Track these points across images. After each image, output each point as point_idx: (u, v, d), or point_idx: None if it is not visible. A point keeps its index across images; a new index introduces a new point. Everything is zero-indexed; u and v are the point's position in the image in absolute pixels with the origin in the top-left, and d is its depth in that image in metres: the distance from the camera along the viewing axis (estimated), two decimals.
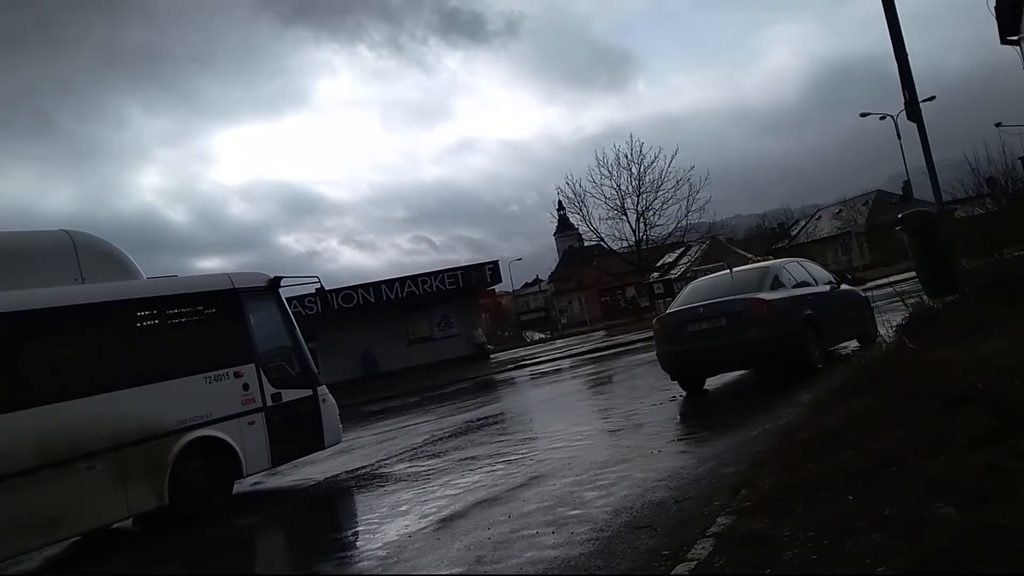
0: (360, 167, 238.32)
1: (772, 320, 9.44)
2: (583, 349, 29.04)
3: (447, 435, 11.40)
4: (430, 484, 7.73)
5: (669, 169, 39.00)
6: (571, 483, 6.39)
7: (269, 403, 9.04)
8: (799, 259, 12.32)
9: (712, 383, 10.70)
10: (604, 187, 40.23)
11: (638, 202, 39.61)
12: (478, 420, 12.71)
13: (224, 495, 8.62)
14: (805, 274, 10.96)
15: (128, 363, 8.29)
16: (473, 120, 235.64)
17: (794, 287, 10.30)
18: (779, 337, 9.43)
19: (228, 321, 9.15)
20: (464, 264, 35.03)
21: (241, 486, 9.30)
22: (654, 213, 39.65)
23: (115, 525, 8.26)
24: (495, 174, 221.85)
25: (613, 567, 4.17)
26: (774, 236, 71.30)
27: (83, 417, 7.54)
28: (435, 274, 32.60)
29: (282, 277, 9.86)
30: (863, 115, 43.54)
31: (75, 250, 8.36)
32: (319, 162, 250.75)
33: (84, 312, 8.00)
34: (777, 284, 10.12)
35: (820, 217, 69.32)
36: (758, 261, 20.69)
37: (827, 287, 11.04)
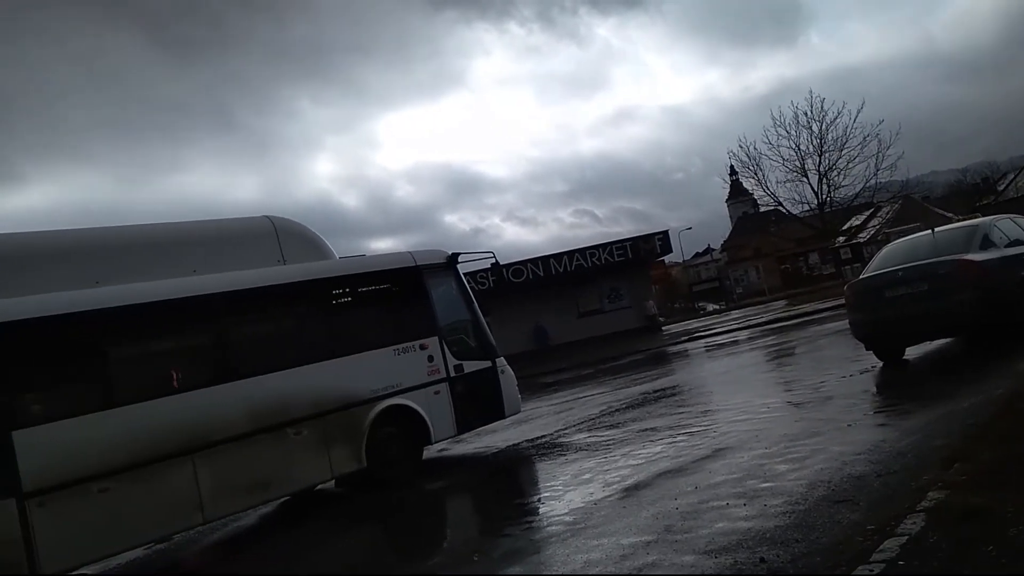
0: (518, 143, 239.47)
1: (983, 283, 8.59)
2: (762, 320, 27.92)
3: (624, 406, 11.39)
4: (611, 454, 7.76)
5: (854, 125, 36.20)
6: (760, 456, 6.18)
7: (452, 374, 9.44)
8: (1012, 215, 11.11)
9: (911, 353, 9.93)
10: (781, 148, 38.18)
11: (820, 162, 37.26)
12: (654, 392, 12.59)
13: (415, 460, 9.11)
14: (1020, 232, 9.86)
15: (327, 336, 8.93)
16: (630, 88, 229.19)
17: (1007, 246, 9.30)
18: (991, 301, 8.57)
19: (412, 296, 9.63)
20: (632, 235, 34.59)
21: (429, 452, 9.80)
22: (838, 173, 37.14)
23: (319, 487, 8.97)
24: (656, 142, 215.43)
25: (813, 540, 3.98)
26: (977, 192, 65.02)
27: (290, 387, 8.21)
28: (603, 246, 32.50)
29: (460, 253, 10.22)
30: None
31: (276, 234, 9.05)
32: (477, 141, 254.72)
33: (288, 291, 8.69)
34: (987, 243, 9.18)
35: None
36: (961, 220, 18.89)
37: None
